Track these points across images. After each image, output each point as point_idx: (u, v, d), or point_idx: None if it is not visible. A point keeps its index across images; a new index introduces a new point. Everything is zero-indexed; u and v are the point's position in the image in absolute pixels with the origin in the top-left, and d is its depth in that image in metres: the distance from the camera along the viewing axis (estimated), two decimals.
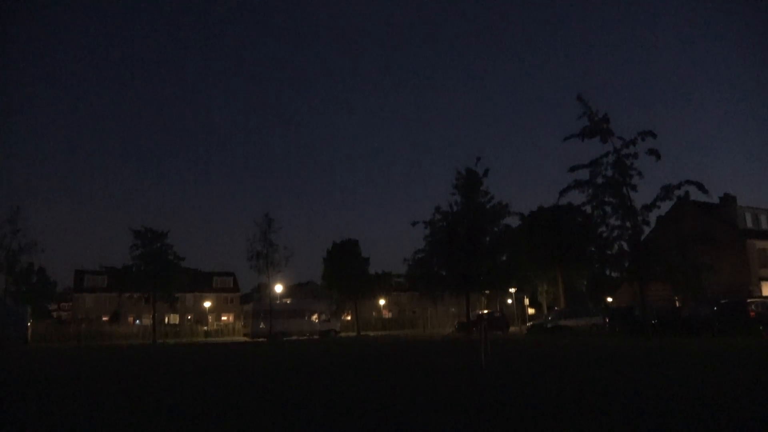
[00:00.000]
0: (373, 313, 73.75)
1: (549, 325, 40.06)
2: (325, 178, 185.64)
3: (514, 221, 43.79)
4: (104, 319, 66.63)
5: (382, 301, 75.16)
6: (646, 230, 29.61)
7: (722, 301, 29.83)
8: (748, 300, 29.33)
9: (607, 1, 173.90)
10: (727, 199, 44.99)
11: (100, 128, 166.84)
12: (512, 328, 50.05)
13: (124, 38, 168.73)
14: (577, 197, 29.13)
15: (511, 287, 50.01)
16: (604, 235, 28.92)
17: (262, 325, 47.34)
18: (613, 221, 28.23)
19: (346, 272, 54.79)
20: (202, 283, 74.83)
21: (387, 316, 74.76)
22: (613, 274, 33.83)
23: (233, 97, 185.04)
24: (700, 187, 25.96)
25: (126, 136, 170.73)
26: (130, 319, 67.92)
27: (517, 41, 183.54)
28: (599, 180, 27.87)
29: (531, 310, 69.00)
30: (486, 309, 60.57)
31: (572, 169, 28.33)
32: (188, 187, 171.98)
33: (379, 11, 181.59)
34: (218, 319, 74.93)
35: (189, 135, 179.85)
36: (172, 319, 68.88)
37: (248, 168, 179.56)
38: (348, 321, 64.27)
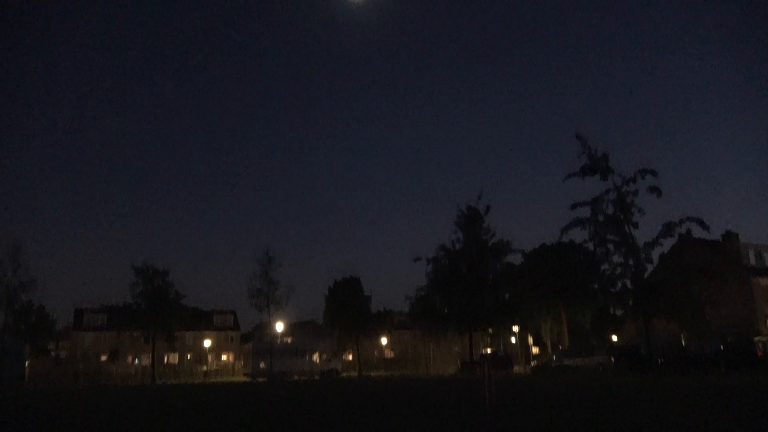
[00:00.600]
0: (375, 352, 72.78)
1: (554, 365, 39.46)
2: (326, 214, 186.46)
3: (516, 258, 43.76)
4: (102, 358, 65.80)
5: (384, 340, 74.29)
6: (649, 267, 29.55)
7: (729, 339, 29.48)
8: (756, 338, 28.99)
9: (605, 38, 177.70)
10: (730, 236, 44.98)
11: (101, 165, 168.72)
12: (516, 368, 49.27)
13: (123, 81, 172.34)
14: (579, 234, 29.25)
15: (515, 325, 49.51)
16: (607, 272, 28.86)
17: (262, 365, 46.69)
18: (615, 258, 28.24)
19: (347, 310, 54.39)
20: (202, 321, 74.16)
21: (389, 356, 73.74)
22: (617, 312, 33.62)
23: (233, 133, 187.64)
24: (701, 224, 26.04)
25: (127, 173, 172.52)
26: (129, 358, 67.07)
27: (517, 77, 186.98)
28: (600, 217, 27.99)
29: (535, 349, 68.04)
30: (489, 348, 59.78)
31: (573, 206, 28.49)
32: (189, 224, 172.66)
33: (379, 48, 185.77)
34: (218, 358, 73.93)
35: (190, 172, 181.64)
36: (172, 358, 68.00)
37: (249, 205, 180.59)
38: (349, 360, 63.38)
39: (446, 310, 39.19)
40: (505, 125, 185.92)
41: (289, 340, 55.39)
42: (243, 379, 47.90)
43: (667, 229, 26.57)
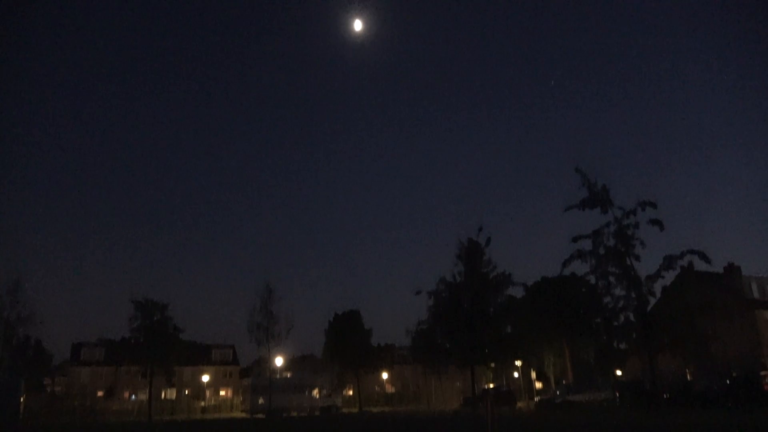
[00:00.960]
0: (376, 388, 71.66)
1: (558, 400, 38.82)
2: (326, 247, 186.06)
3: (517, 291, 43.50)
4: (99, 394, 64.75)
5: (384, 375, 73.25)
6: (652, 301, 29.31)
7: (734, 374, 29.07)
8: (762, 373, 28.60)
9: (605, 70, 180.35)
10: (732, 269, 44.80)
11: (99, 197, 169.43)
12: (520, 403, 48.43)
13: (122, 113, 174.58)
14: (580, 267, 29.02)
15: (517, 359, 48.91)
16: (610, 305, 28.59)
17: (261, 401, 45.95)
18: (617, 291, 27.99)
19: (347, 344, 53.83)
20: (201, 355, 73.21)
21: (390, 391, 72.55)
22: (621, 346, 33.18)
23: (233, 166, 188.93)
24: (703, 256, 25.91)
25: (125, 206, 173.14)
26: (126, 394, 66.00)
27: (516, 109, 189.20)
28: (601, 250, 27.87)
29: (538, 384, 67.01)
30: (492, 383, 58.89)
31: (574, 239, 28.41)
32: (188, 256, 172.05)
33: (380, 81, 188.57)
34: (216, 393, 72.70)
35: (188, 205, 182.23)
36: (169, 393, 66.88)
37: (248, 238, 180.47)
38: (349, 396, 62.37)
39: (448, 345, 38.78)
40: (505, 157, 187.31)
41: (289, 375, 54.64)
42: (241, 415, 47.08)
43: (669, 262, 26.42)
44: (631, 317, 27.97)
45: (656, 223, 26.97)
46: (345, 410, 50.31)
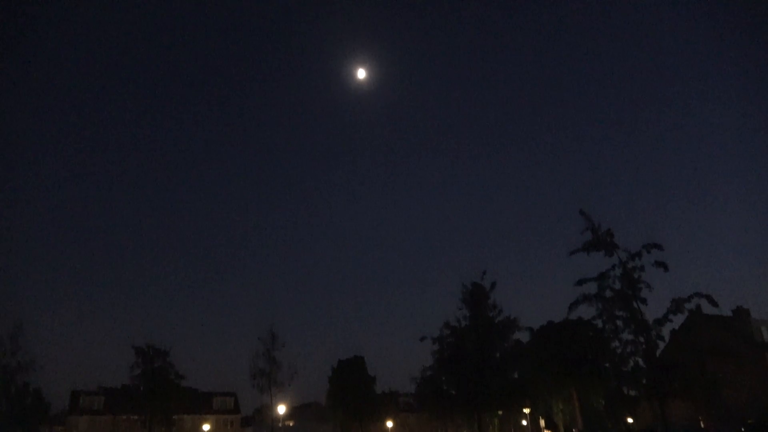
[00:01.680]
0: None
1: None
2: (329, 293, 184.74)
3: (524, 336, 42.85)
4: None
5: (389, 423, 71.42)
6: (661, 345, 28.84)
7: (750, 421, 28.31)
8: None
9: (607, 112, 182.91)
10: (740, 312, 44.19)
11: (100, 243, 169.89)
12: None
13: (123, 157, 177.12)
14: (587, 311, 28.73)
15: (525, 406, 47.71)
16: (618, 350, 28.11)
17: None
18: (625, 335, 27.58)
19: (351, 392, 52.74)
20: (202, 403, 71.64)
21: None
22: (631, 392, 32.40)
23: (235, 211, 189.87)
24: (710, 300, 25.64)
25: (127, 251, 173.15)
26: None
27: (518, 152, 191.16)
28: (608, 293, 27.62)
29: None
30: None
31: (579, 282, 28.23)
32: (189, 301, 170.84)
33: (382, 126, 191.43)
34: None
35: (191, 249, 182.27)
36: None
37: (250, 283, 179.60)
38: None
39: (453, 392, 37.97)
40: (508, 201, 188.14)
41: (291, 424, 53.36)
42: None
43: (676, 305, 26.12)
44: (641, 362, 27.46)
45: (661, 265, 26.81)
46: None
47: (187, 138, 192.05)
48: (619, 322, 27.65)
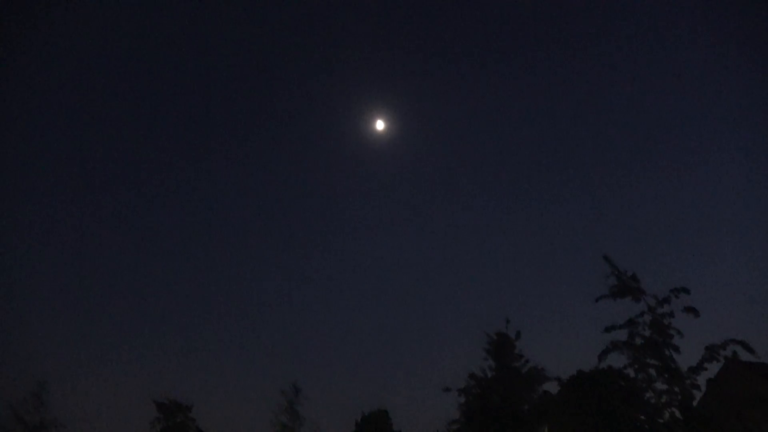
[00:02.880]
0: None
1: None
2: (351, 344, 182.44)
3: (552, 387, 41.46)
4: None
5: None
6: (697, 395, 27.65)
7: None
8: None
9: (628, 156, 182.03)
10: None
11: (121, 295, 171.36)
12: None
13: (141, 212, 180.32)
14: (617, 359, 27.80)
15: None
16: (652, 401, 26.98)
17: None
18: (659, 385, 26.52)
19: None
20: None
21: None
22: None
23: (256, 264, 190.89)
24: (746, 346, 24.68)
25: (147, 306, 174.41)
26: None
27: (541, 195, 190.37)
28: (638, 341, 26.78)
29: None
30: None
31: (608, 329, 27.50)
32: (210, 355, 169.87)
33: (401, 175, 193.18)
34: None
35: (211, 303, 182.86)
36: None
37: (273, 335, 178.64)
38: None
39: None
40: (530, 247, 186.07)
41: None
42: None
43: (711, 352, 25.16)
44: (677, 413, 26.28)
45: (691, 310, 26.02)
46: None
47: (208, 190, 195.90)
48: (651, 371, 26.67)
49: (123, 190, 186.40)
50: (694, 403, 27.57)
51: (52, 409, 43.48)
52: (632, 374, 27.85)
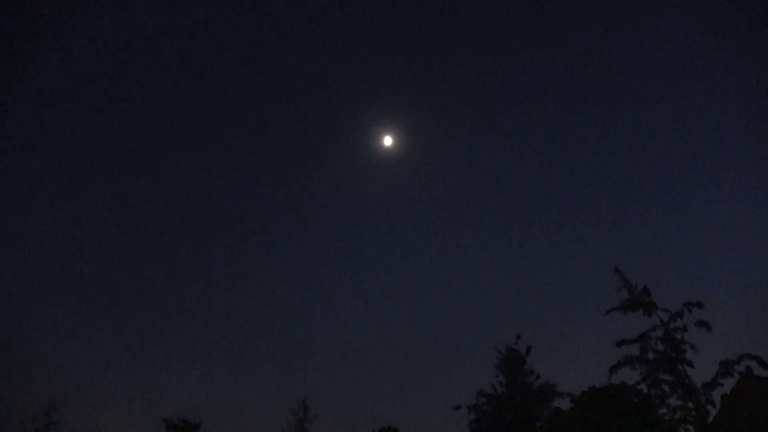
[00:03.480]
0: None
1: None
2: (361, 361, 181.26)
3: (564, 403, 40.90)
4: None
5: None
6: (712, 411, 27.17)
7: None
8: None
9: (638, 170, 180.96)
10: None
11: (130, 315, 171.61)
12: None
13: (148, 237, 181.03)
14: (630, 375, 27.39)
15: None
16: (667, 417, 26.53)
17: None
18: (673, 401, 26.09)
19: None
20: None
21: None
22: None
23: (265, 283, 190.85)
24: (760, 361, 24.27)
25: (155, 325, 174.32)
26: None
27: (550, 209, 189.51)
28: (650, 355, 26.41)
29: None
30: None
31: (619, 344, 27.16)
32: (219, 372, 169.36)
33: (411, 191, 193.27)
34: None
35: (219, 321, 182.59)
36: None
37: (283, 353, 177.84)
38: None
39: None
40: (540, 260, 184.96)
41: None
42: None
43: (725, 367, 24.76)
44: (692, 430, 25.81)
45: (703, 324, 25.67)
46: None
47: (215, 210, 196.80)
48: (665, 387, 26.26)
49: (132, 211, 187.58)
50: (710, 420, 27.07)
51: (62, 428, 43.48)
52: (645, 390, 27.45)
